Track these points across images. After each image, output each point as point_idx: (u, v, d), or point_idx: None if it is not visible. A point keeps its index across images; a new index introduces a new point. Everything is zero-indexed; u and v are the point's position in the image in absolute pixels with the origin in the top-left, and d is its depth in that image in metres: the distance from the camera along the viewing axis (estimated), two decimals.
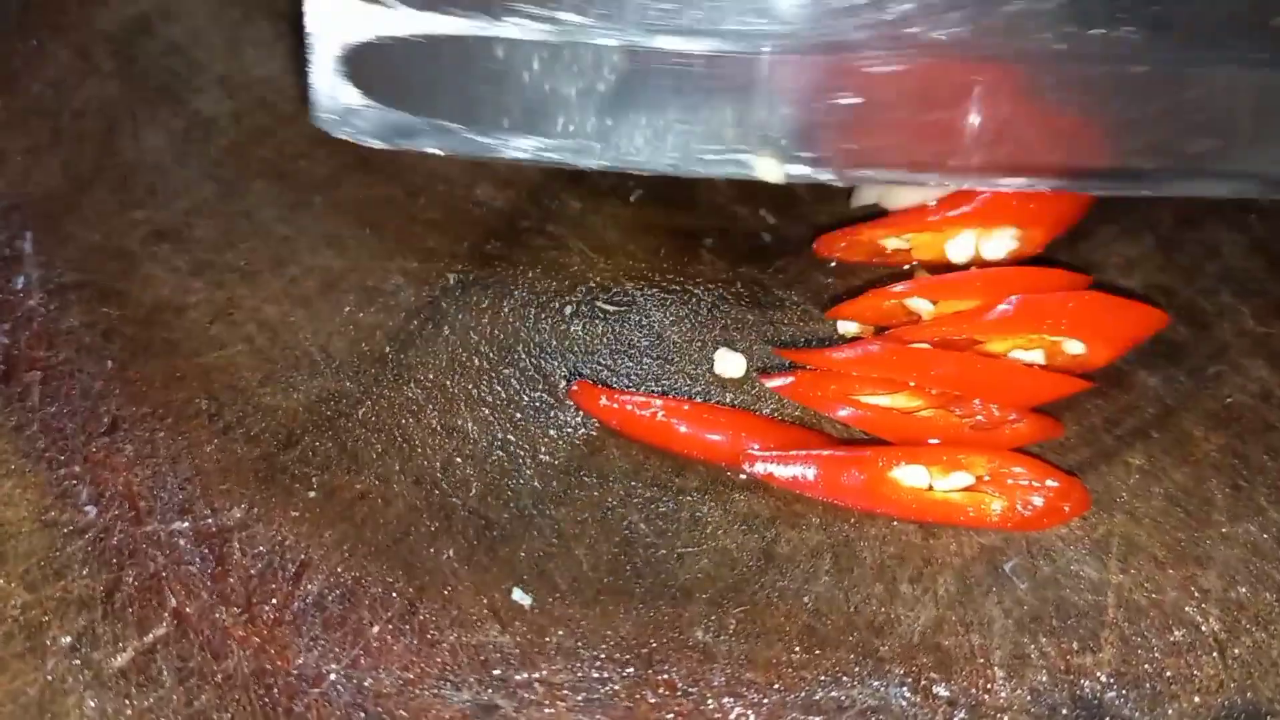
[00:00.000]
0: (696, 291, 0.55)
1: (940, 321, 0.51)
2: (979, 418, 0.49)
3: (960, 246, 0.52)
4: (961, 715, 0.43)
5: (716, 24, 0.44)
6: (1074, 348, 0.50)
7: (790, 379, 0.50)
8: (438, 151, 0.49)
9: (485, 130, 0.48)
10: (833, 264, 0.55)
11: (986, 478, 0.47)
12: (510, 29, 0.44)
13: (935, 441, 0.49)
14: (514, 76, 0.45)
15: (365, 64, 0.46)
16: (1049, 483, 0.47)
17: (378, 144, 0.49)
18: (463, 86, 0.46)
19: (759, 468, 0.48)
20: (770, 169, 0.48)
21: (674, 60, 0.45)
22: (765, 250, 0.56)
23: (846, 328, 0.53)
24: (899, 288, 0.52)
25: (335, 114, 0.48)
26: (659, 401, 0.49)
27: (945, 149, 0.48)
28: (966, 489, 0.47)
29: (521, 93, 0.46)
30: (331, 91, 0.47)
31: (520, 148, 0.47)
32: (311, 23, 0.46)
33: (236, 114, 0.61)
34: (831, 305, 0.54)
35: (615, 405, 0.49)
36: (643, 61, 0.44)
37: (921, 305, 0.52)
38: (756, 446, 0.48)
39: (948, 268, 0.53)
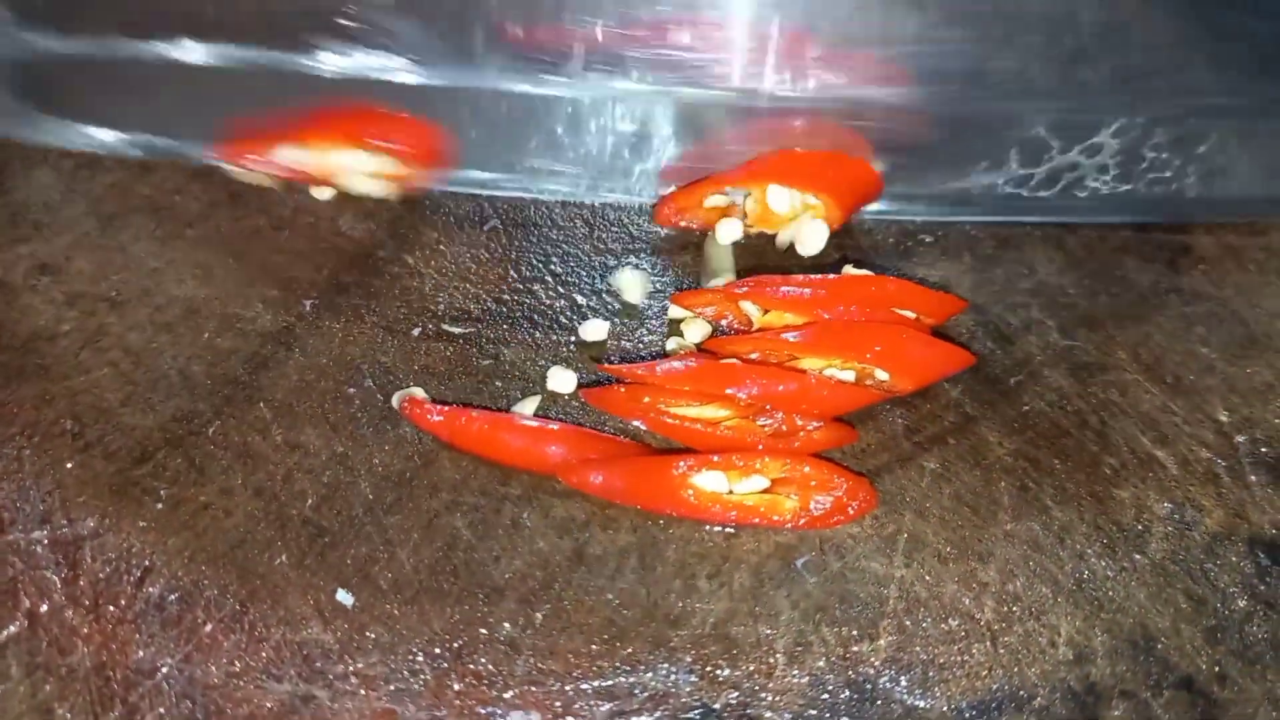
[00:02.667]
0: (535, 315, 0.59)
1: (760, 339, 0.55)
2: (782, 427, 0.53)
3: (777, 198, 0.58)
4: (738, 697, 0.46)
5: None
6: (880, 374, 0.54)
7: (610, 394, 0.54)
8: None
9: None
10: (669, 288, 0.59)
11: (783, 479, 0.51)
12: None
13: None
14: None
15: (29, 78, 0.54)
16: (837, 482, 0.50)
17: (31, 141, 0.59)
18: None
19: (575, 477, 0.51)
20: None
21: None
22: (605, 274, 0.60)
23: (678, 313, 0.58)
24: (737, 290, 0.56)
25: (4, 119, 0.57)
26: (483, 415, 0.53)
27: None
28: (763, 491, 0.51)
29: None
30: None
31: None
32: None
33: (119, 154, 0.65)
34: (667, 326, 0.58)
35: (443, 420, 0.53)
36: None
37: (752, 310, 0.56)
38: (574, 458, 0.52)
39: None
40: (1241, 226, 0.64)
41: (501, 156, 0.60)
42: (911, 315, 0.56)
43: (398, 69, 0.53)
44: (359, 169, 0.59)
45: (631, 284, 0.59)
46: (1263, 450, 0.54)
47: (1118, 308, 0.60)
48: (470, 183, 0.62)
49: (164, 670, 0.47)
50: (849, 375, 0.54)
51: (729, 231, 0.60)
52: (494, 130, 0.58)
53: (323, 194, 0.62)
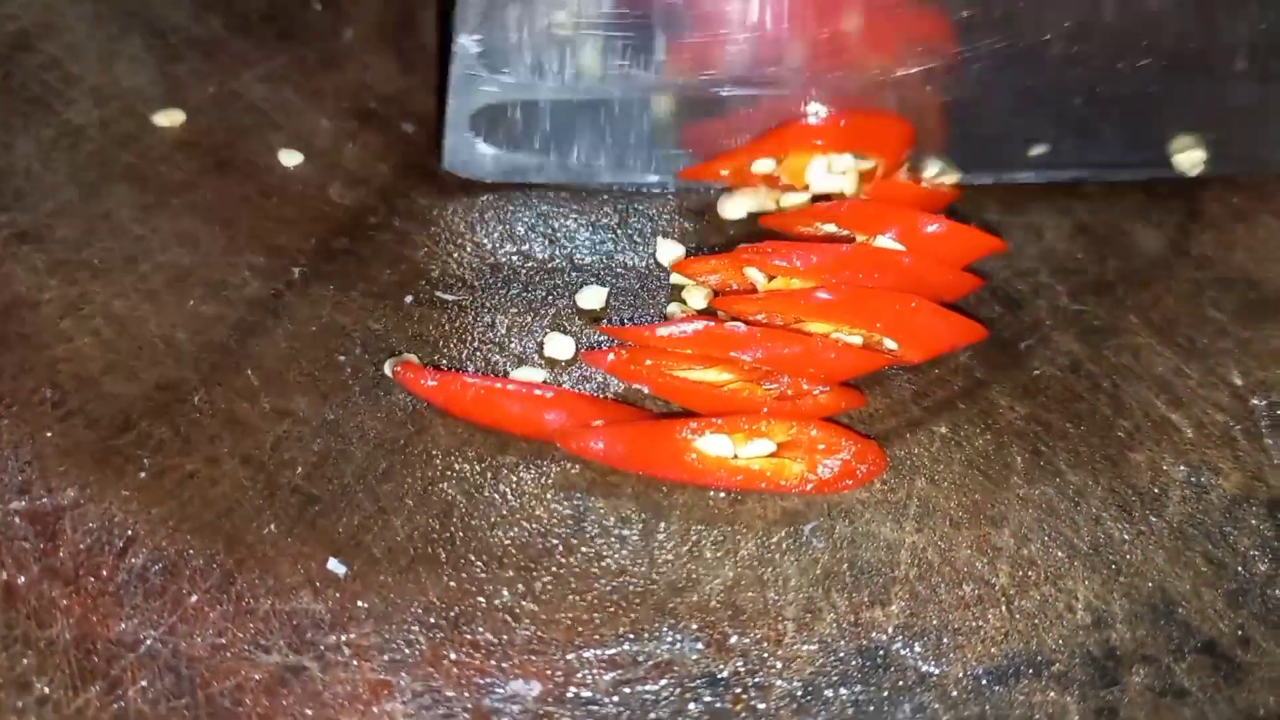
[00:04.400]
0: (531, 281, 0.57)
1: (766, 300, 0.53)
2: (788, 390, 0.51)
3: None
4: (746, 665, 0.45)
5: None
6: (889, 344, 0.53)
7: (611, 357, 0.52)
8: (541, 180, 0.61)
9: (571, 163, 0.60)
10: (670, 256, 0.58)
11: (790, 443, 0.49)
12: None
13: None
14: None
15: (487, 120, 0.58)
16: (845, 446, 0.49)
17: (494, 179, 0.60)
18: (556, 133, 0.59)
19: (574, 443, 0.50)
20: None
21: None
22: (603, 241, 0.59)
23: (679, 280, 0.56)
24: (742, 255, 0.54)
25: (462, 159, 0.60)
26: (479, 380, 0.51)
27: None
28: (769, 455, 0.49)
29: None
30: (460, 142, 0.59)
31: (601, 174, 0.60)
32: (452, 90, 0.57)
33: (104, 121, 0.63)
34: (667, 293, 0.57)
35: (437, 385, 0.51)
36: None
37: (758, 277, 0.55)
38: (573, 423, 0.50)
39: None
40: (1250, 191, 0.62)
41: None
42: None
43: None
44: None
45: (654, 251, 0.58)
46: (1278, 413, 0.53)
47: (1127, 272, 0.59)
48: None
49: (147, 643, 0.45)
50: (856, 340, 0.52)
51: (735, 206, 0.59)
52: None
53: (291, 159, 0.60)
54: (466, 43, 0.56)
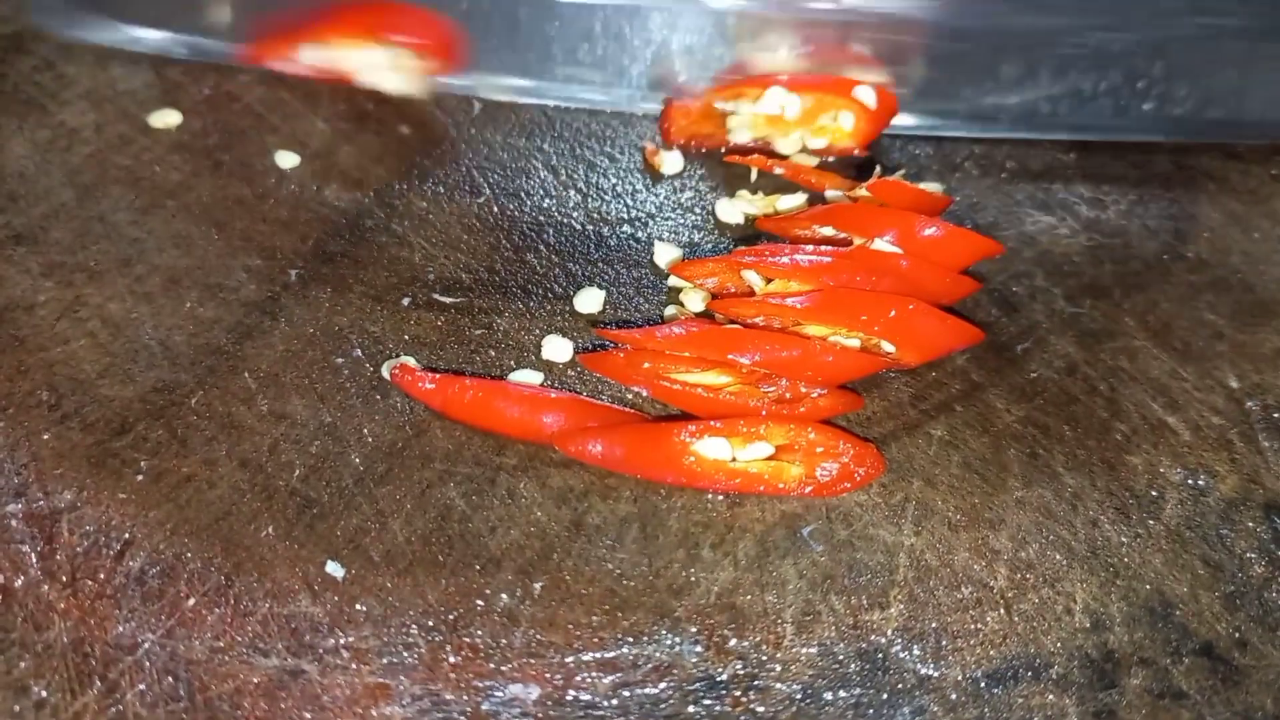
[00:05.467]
0: (528, 284, 0.57)
1: (763, 303, 0.53)
2: (786, 394, 0.51)
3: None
4: (745, 668, 0.45)
5: None
6: (887, 347, 0.53)
7: (608, 359, 0.52)
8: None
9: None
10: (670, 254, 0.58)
11: (788, 446, 0.49)
12: None
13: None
14: None
15: None
16: (844, 449, 0.49)
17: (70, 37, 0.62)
18: None
19: (573, 446, 0.50)
20: None
21: None
22: (600, 244, 0.59)
23: (676, 283, 0.56)
24: (746, 259, 0.54)
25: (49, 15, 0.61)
26: (477, 383, 0.51)
27: None
28: (767, 459, 0.49)
29: None
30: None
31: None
32: None
33: (99, 124, 0.63)
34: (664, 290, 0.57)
35: (435, 388, 0.51)
36: None
37: (755, 280, 0.54)
38: (572, 426, 0.50)
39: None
40: (1245, 194, 0.62)
41: (519, 60, 0.62)
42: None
43: None
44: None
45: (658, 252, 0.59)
46: (1275, 416, 0.53)
47: (1123, 276, 0.59)
48: (490, 87, 0.63)
49: (145, 645, 0.44)
50: (854, 343, 0.52)
51: (731, 210, 0.59)
52: (513, 33, 0.60)
53: (288, 161, 0.60)
54: None
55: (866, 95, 0.58)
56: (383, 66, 0.59)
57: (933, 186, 0.60)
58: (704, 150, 0.62)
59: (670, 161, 0.60)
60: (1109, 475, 0.51)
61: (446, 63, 0.61)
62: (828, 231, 0.55)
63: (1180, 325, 0.57)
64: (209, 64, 0.66)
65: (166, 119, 0.63)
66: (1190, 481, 0.51)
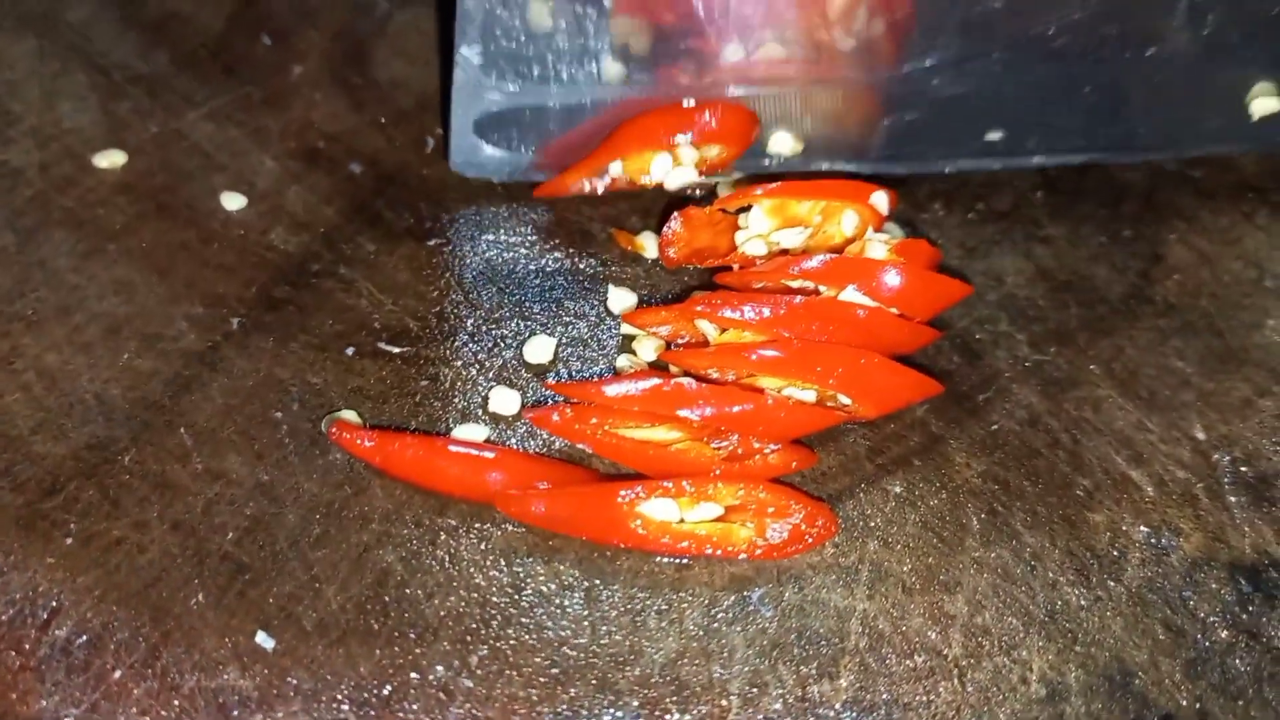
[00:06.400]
0: (478, 332, 0.55)
1: (717, 354, 0.51)
2: (738, 449, 0.50)
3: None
4: None
5: None
6: (843, 399, 0.51)
7: (555, 415, 0.51)
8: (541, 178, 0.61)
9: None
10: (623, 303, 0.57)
11: (738, 507, 0.48)
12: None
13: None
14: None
15: (491, 122, 0.59)
16: (795, 509, 0.47)
17: (500, 179, 0.62)
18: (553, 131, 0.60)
19: (515, 506, 0.48)
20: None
21: None
22: (553, 289, 0.57)
23: (629, 330, 0.55)
24: (694, 308, 0.53)
25: (468, 160, 0.61)
26: (417, 440, 0.50)
27: None
28: (716, 519, 0.48)
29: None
30: (466, 143, 0.60)
31: None
32: (456, 94, 0.59)
33: (43, 164, 0.62)
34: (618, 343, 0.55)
35: (374, 445, 0.49)
36: None
37: (709, 329, 0.53)
38: (515, 485, 0.49)
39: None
40: (1215, 234, 0.61)
41: None
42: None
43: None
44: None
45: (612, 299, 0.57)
46: (1242, 469, 0.51)
47: (1089, 320, 0.57)
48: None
49: None
50: (809, 396, 0.51)
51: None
52: None
53: (234, 202, 0.59)
54: (469, 54, 0.57)
55: (880, 201, 0.56)
56: (680, 168, 0.59)
57: (896, 230, 0.59)
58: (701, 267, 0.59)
59: (651, 245, 0.58)
60: (1069, 534, 0.49)
61: (739, 151, 0.60)
62: (798, 284, 0.54)
63: (1147, 373, 0.55)
64: (157, 99, 0.64)
65: (112, 159, 0.62)
66: (1154, 540, 0.49)
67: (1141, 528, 0.50)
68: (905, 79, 0.59)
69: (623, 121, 0.60)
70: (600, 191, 0.61)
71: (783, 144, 0.61)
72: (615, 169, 0.60)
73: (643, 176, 0.60)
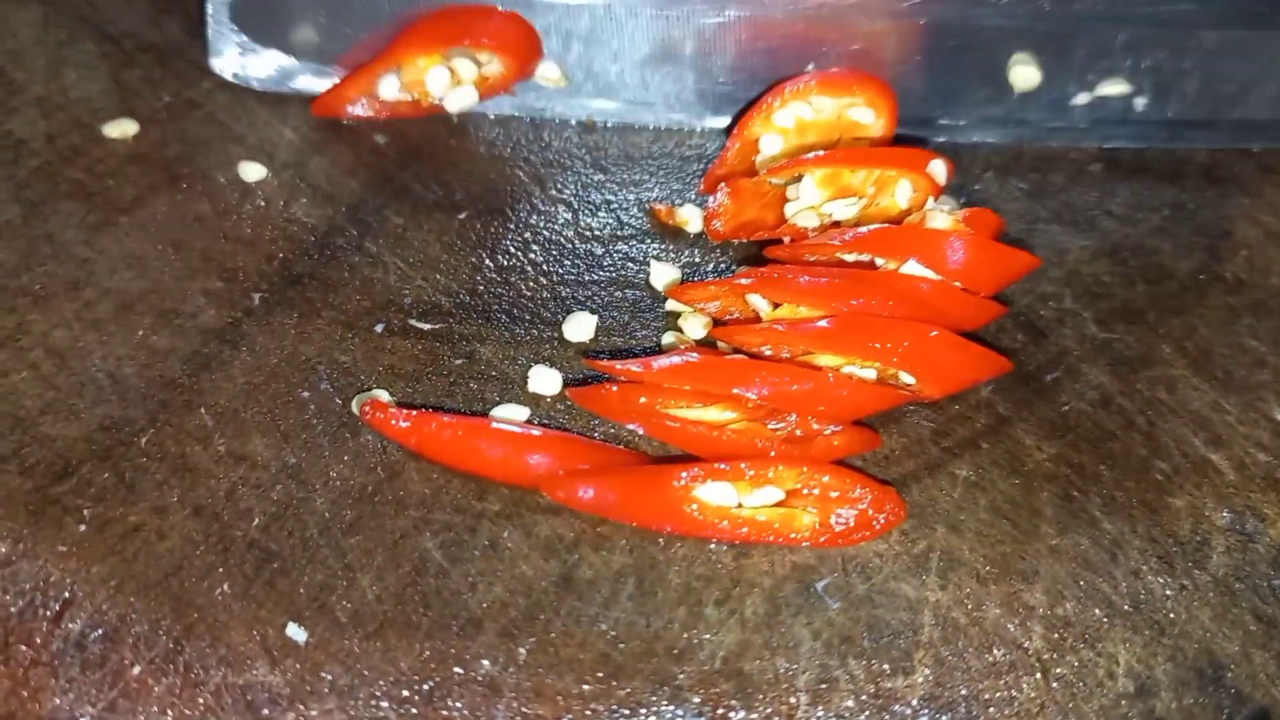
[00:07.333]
0: (514, 308, 0.52)
1: (770, 331, 0.48)
2: (796, 431, 0.47)
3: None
4: None
5: None
6: (906, 378, 0.48)
7: (600, 394, 0.48)
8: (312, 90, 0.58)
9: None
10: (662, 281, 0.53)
11: (800, 491, 0.45)
12: None
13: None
14: None
15: (253, 16, 0.55)
16: (861, 494, 0.44)
17: (260, 85, 0.58)
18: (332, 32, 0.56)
19: (561, 491, 0.45)
20: None
21: None
22: (592, 264, 0.54)
23: (675, 307, 0.52)
24: (744, 281, 0.49)
25: (227, 60, 0.57)
26: (456, 420, 0.47)
27: None
28: (776, 504, 0.44)
29: None
30: (224, 40, 0.56)
31: None
32: None
33: (50, 135, 0.58)
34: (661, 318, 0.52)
35: (410, 426, 0.46)
36: None
37: (761, 304, 0.50)
38: (560, 468, 0.46)
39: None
40: None
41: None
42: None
43: None
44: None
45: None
46: None
47: (1158, 297, 0.54)
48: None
49: None
50: (870, 374, 0.48)
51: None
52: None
53: (253, 173, 0.56)
54: None
55: (938, 170, 0.53)
56: (458, 81, 0.56)
57: (949, 202, 0.56)
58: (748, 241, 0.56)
59: (695, 219, 0.55)
60: (1150, 520, 0.46)
61: (520, 70, 0.57)
62: (849, 257, 0.51)
63: (1220, 352, 0.52)
64: (169, 68, 0.61)
65: (123, 129, 0.59)
66: (1237, 526, 0.46)
67: (1224, 513, 0.47)
68: None
69: (404, 25, 0.56)
70: (383, 115, 0.58)
71: None
72: (391, 85, 0.56)
73: (426, 99, 0.57)
